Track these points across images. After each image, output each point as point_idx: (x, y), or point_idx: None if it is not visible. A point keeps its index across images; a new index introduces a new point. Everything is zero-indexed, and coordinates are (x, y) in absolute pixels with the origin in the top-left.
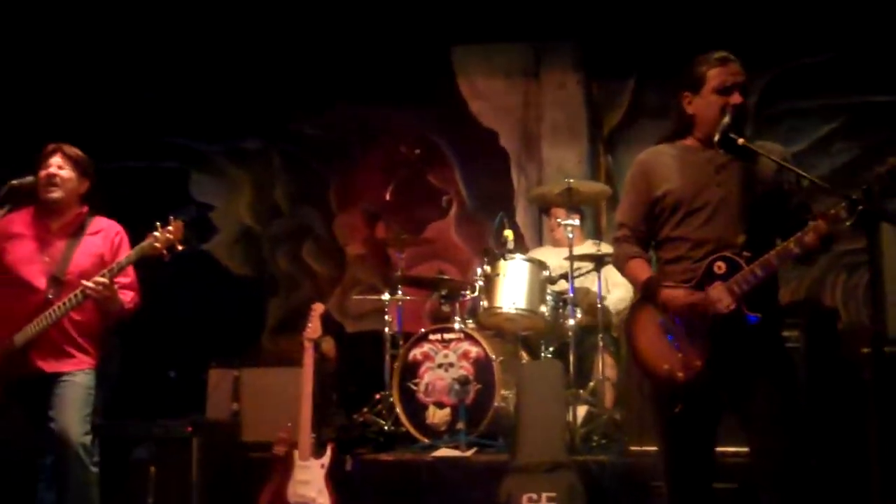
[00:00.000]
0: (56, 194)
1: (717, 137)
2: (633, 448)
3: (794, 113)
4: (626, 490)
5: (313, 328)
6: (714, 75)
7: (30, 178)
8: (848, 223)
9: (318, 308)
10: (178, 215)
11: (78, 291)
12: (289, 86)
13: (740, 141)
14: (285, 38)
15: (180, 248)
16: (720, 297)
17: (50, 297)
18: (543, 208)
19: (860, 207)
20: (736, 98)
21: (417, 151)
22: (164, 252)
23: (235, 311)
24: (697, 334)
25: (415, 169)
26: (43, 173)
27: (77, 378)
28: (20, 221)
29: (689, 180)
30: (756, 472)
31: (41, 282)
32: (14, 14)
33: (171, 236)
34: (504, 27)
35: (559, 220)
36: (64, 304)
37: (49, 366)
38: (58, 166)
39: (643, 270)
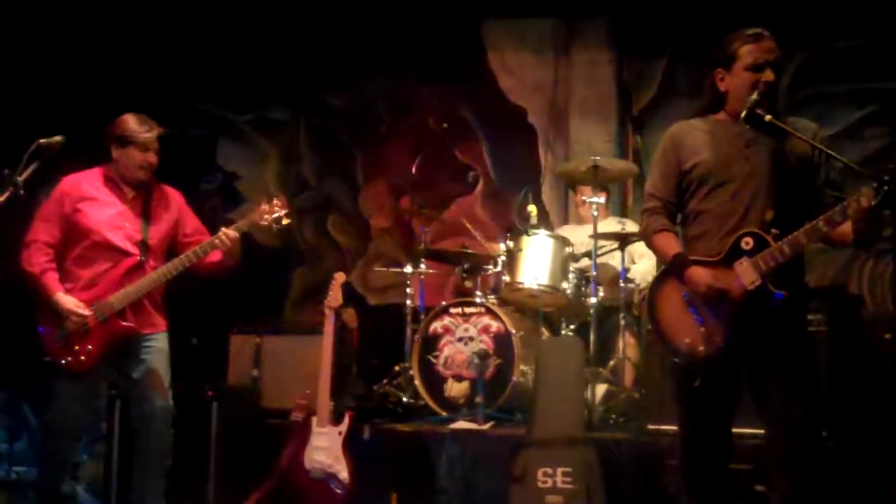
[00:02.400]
0: (148, 178)
1: (743, 114)
2: (650, 427)
3: (826, 97)
4: (643, 468)
5: (334, 296)
6: (746, 52)
7: (58, 139)
8: (874, 202)
9: (340, 277)
10: (204, 182)
11: (190, 252)
12: (318, 57)
13: (767, 117)
14: (316, 9)
15: (286, 221)
16: (746, 273)
17: (142, 259)
18: (570, 185)
19: (886, 188)
20: (768, 75)
21: (445, 125)
22: (273, 225)
23: (260, 280)
24: (721, 310)
25: (441, 143)
26: (142, 158)
27: (161, 342)
28: (89, 184)
29: (718, 153)
30: (769, 452)
31: (130, 246)
32: None
33: (278, 211)
34: (536, 2)
35: (584, 197)
36: (175, 263)
37: (141, 325)
38: (156, 152)
39: (671, 245)
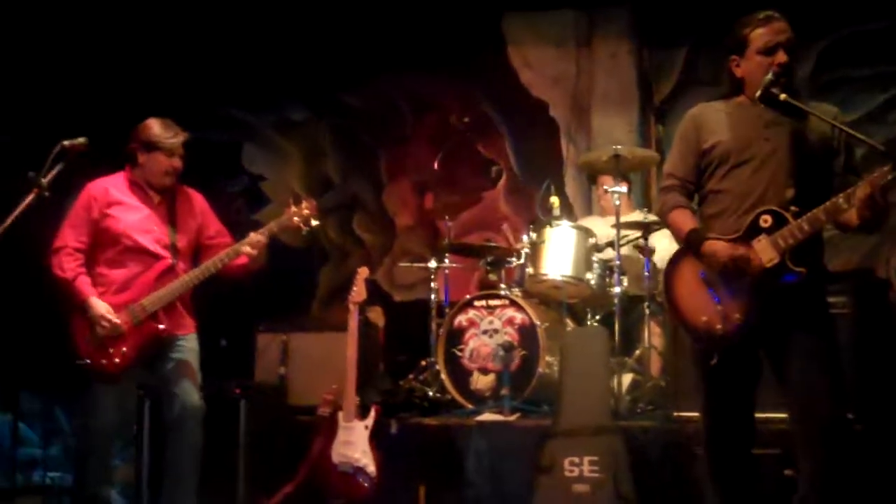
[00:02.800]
0: (173, 183)
1: (758, 94)
2: (677, 414)
3: (849, 81)
4: (670, 455)
5: (358, 292)
6: (757, 36)
7: (81, 140)
8: (890, 177)
9: (363, 272)
10: (230, 185)
11: (223, 254)
12: (337, 57)
13: (782, 96)
14: (333, 8)
15: (315, 223)
16: (764, 250)
17: (174, 262)
18: (591, 177)
19: None
20: (780, 57)
21: (466, 119)
22: (302, 226)
23: (286, 281)
24: (738, 288)
25: (463, 138)
26: (168, 163)
27: (192, 343)
28: (116, 189)
29: (737, 133)
30: (794, 431)
31: (160, 249)
32: None
33: (307, 212)
34: None
35: (606, 187)
36: (207, 266)
37: (174, 327)
38: (181, 157)
39: (687, 221)
